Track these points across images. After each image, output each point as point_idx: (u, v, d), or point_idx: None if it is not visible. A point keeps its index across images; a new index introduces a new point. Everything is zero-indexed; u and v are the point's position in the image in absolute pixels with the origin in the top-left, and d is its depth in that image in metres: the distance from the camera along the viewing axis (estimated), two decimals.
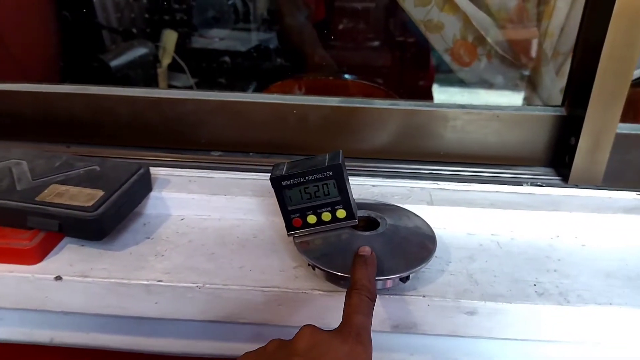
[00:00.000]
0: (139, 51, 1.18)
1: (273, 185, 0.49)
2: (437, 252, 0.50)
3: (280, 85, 1.11)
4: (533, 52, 0.89)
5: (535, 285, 0.49)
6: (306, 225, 0.51)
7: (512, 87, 0.94)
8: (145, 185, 0.59)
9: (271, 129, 0.69)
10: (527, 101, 0.92)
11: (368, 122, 0.68)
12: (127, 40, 1.24)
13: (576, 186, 0.64)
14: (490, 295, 0.48)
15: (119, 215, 0.54)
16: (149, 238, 0.55)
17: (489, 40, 0.87)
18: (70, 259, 0.51)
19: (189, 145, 0.71)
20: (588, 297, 0.48)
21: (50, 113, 0.71)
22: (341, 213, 0.50)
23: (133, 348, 0.55)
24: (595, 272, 0.52)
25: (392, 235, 0.50)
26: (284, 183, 0.49)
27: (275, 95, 0.70)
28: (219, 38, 1.34)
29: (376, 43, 1.24)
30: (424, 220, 0.54)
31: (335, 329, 0.38)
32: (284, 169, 0.50)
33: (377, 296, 0.47)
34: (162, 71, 1.22)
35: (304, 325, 0.37)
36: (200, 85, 1.26)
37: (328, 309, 0.48)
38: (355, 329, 0.37)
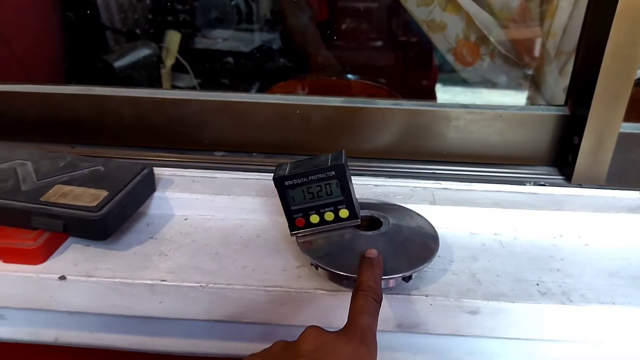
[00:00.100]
0: (143, 52, 1.19)
1: (276, 185, 0.49)
2: (440, 251, 0.50)
3: (283, 85, 1.11)
4: (536, 52, 0.89)
5: (538, 284, 0.49)
6: (309, 225, 0.51)
7: (515, 86, 0.94)
8: (149, 186, 0.59)
9: (274, 129, 0.70)
10: (531, 101, 0.92)
11: (371, 122, 0.68)
12: (131, 41, 1.25)
13: (579, 186, 0.64)
14: (492, 295, 0.48)
15: (123, 215, 0.54)
16: (152, 238, 0.56)
17: (492, 39, 0.87)
18: (75, 259, 0.52)
19: (192, 145, 0.72)
20: (591, 297, 0.48)
21: (54, 114, 0.72)
22: (344, 213, 0.50)
23: (137, 347, 0.56)
24: (599, 271, 0.52)
25: (395, 235, 0.51)
26: (286, 183, 0.49)
27: (278, 96, 0.70)
28: (222, 39, 1.34)
29: (379, 43, 1.24)
30: (427, 220, 0.54)
31: (340, 329, 0.38)
32: (287, 169, 0.50)
33: None
34: (165, 72, 1.22)
35: (308, 327, 0.38)
36: (203, 86, 1.26)
37: (331, 309, 0.48)
38: (360, 329, 0.37)
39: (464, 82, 0.94)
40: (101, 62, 1.09)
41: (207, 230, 0.57)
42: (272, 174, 0.50)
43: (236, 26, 1.36)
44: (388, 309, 0.48)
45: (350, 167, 0.50)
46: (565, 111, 0.66)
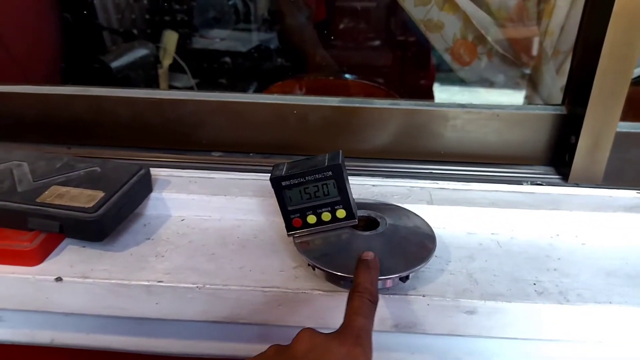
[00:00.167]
0: (140, 52, 1.18)
1: (273, 186, 0.49)
2: (437, 251, 0.50)
3: (281, 85, 1.11)
4: (533, 51, 0.89)
5: (535, 284, 0.49)
6: (306, 225, 0.51)
7: (513, 86, 0.94)
8: (145, 186, 0.59)
9: (271, 129, 0.70)
10: (528, 100, 0.92)
11: (368, 122, 0.68)
12: (128, 42, 1.24)
13: (576, 185, 0.64)
14: (490, 295, 0.48)
15: (120, 216, 0.54)
16: (149, 239, 0.55)
17: (489, 39, 0.87)
18: (71, 260, 0.51)
19: (189, 146, 0.72)
20: (588, 296, 0.48)
21: (51, 114, 0.71)
22: (341, 213, 0.50)
23: (134, 349, 0.55)
24: (596, 271, 0.52)
25: (392, 235, 0.50)
26: (283, 183, 0.49)
27: (275, 96, 0.70)
28: (219, 38, 1.34)
29: (377, 43, 1.24)
30: (424, 220, 0.54)
31: (335, 331, 0.38)
32: (284, 169, 0.50)
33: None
34: (163, 72, 1.22)
35: (303, 329, 0.37)
36: (201, 86, 1.26)
37: (328, 309, 0.48)
38: (355, 331, 0.37)
39: (462, 82, 0.94)
40: (98, 63, 1.09)
41: (204, 231, 0.57)
42: (269, 174, 0.49)
43: (234, 26, 1.36)
44: (385, 309, 0.48)
45: (347, 167, 0.49)
46: (563, 110, 0.66)
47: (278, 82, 1.13)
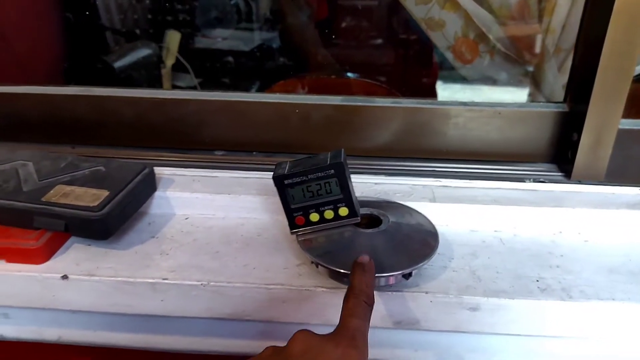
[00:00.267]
0: (143, 52, 1.19)
1: (276, 184, 0.50)
2: (440, 248, 0.50)
3: (283, 84, 1.11)
4: (535, 49, 0.89)
5: (537, 281, 0.49)
6: (309, 223, 0.51)
7: (515, 83, 0.94)
8: (149, 185, 0.59)
9: (274, 128, 0.70)
10: (530, 97, 0.92)
11: (370, 121, 0.68)
12: (131, 42, 1.24)
13: (579, 182, 0.64)
14: (492, 291, 0.48)
15: (124, 214, 0.55)
16: (154, 237, 0.56)
17: (491, 37, 0.87)
18: (77, 258, 0.52)
19: (192, 145, 0.72)
20: (591, 293, 0.48)
21: (55, 115, 0.72)
22: (343, 211, 0.50)
23: (139, 345, 0.56)
24: (598, 267, 0.52)
25: (395, 233, 0.51)
26: (286, 182, 0.49)
27: (277, 95, 0.70)
28: (222, 38, 1.34)
29: (379, 41, 1.24)
30: (427, 218, 0.54)
31: (330, 332, 0.38)
32: (287, 167, 0.50)
33: (381, 293, 0.47)
34: (166, 72, 1.22)
35: (298, 330, 0.38)
36: (204, 85, 1.26)
37: (331, 306, 0.49)
38: (350, 332, 0.37)
39: (464, 80, 0.94)
40: (101, 63, 1.09)
41: (208, 229, 0.57)
42: (272, 173, 0.50)
43: (236, 25, 1.36)
44: (388, 306, 0.48)
45: (349, 166, 0.50)
46: (565, 108, 0.66)
47: (280, 81, 1.13)
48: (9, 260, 0.51)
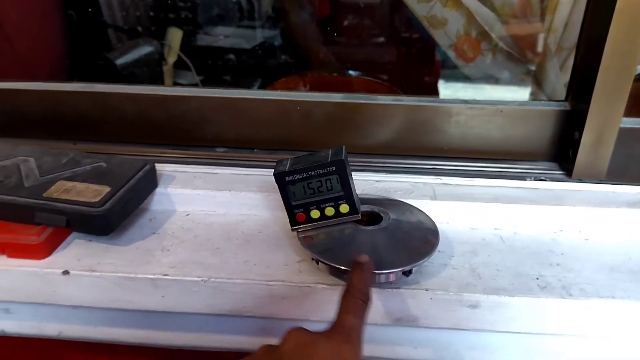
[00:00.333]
0: (145, 49, 1.19)
1: (277, 181, 0.50)
2: (440, 246, 0.50)
3: (285, 82, 1.12)
4: (537, 47, 0.89)
5: (538, 279, 0.50)
6: (310, 220, 0.51)
7: (517, 82, 0.94)
8: (151, 181, 0.59)
9: (275, 125, 0.70)
10: (532, 96, 0.92)
11: (371, 118, 0.68)
12: (133, 39, 1.25)
13: (580, 180, 0.64)
14: (492, 289, 0.48)
15: (126, 210, 0.55)
16: (155, 233, 0.56)
17: (493, 35, 0.87)
18: (78, 254, 0.52)
19: (194, 141, 0.72)
20: (591, 291, 0.48)
21: (57, 111, 0.72)
22: (344, 208, 0.51)
23: (140, 341, 0.56)
24: (599, 266, 0.52)
25: (395, 230, 0.51)
26: (287, 179, 0.49)
27: (279, 92, 0.70)
28: (223, 36, 1.34)
29: (381, 39, 1.24)
30: (427, 215, 0.54)
31: (325, 329, 0.38)
32: (288, 164, 0.50)
33: (381, 290, 0.47)
34: (167, 69, 1.22)
35: (292, 328, 0.38)
36: (205, 83, 1.26)
37: (331, 303, 0.48)
38: (345, 329, 0.38)
39: (467, 78, 0.94)
40: (103, 60, 1.09)
41: (209, 226, 0.58)
42: (273, 170, 0.50)
43: (238, 23, 1.36)
44: (388, 303, 0.48)
45: (350, 163, 0.50)
46: (566, 106, 0.66)
47: (282, 78, 1.13)
48: (10, 256, 0.51)
